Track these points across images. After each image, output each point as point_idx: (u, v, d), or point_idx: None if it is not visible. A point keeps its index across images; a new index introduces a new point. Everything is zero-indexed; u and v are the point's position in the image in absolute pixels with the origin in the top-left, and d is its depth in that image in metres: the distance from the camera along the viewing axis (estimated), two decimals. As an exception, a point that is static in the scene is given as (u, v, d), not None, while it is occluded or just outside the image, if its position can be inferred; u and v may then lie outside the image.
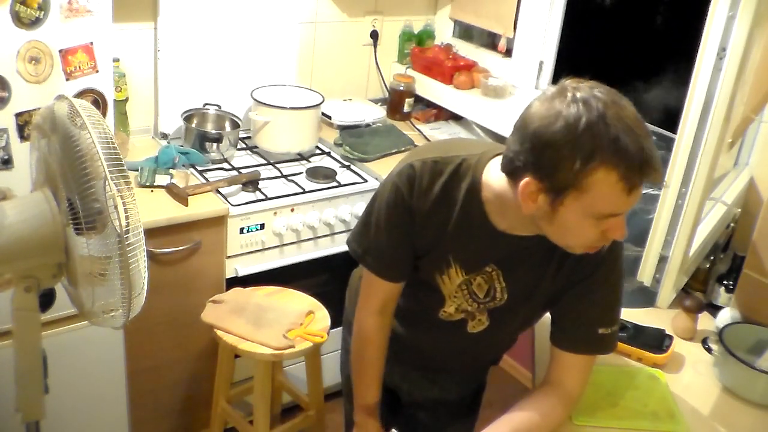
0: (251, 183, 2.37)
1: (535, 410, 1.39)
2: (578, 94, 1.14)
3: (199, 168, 2.43)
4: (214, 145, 2.48)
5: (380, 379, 1.59)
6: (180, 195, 2.20)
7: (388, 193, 1.42)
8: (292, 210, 2.39)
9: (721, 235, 2.07)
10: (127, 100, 2.46)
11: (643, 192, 1.90)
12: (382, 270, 1.49)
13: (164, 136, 2.60)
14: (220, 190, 2.31)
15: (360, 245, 1.51)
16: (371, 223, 1.47)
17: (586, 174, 1.13)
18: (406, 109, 3.05)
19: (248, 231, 2.31)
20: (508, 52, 2.92)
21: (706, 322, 1.87)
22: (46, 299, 1.92)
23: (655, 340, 1.73)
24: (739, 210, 2.14)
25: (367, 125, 2.87)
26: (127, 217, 1.27)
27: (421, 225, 1.41)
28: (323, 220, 2.46)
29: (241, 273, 2.35)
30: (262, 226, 2.34)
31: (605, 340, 1.41)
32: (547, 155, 1.15)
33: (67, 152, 1.27)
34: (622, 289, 1.43)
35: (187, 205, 2.19)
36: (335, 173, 2.54)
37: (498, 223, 1.35)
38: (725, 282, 1.95)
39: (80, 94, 1.98)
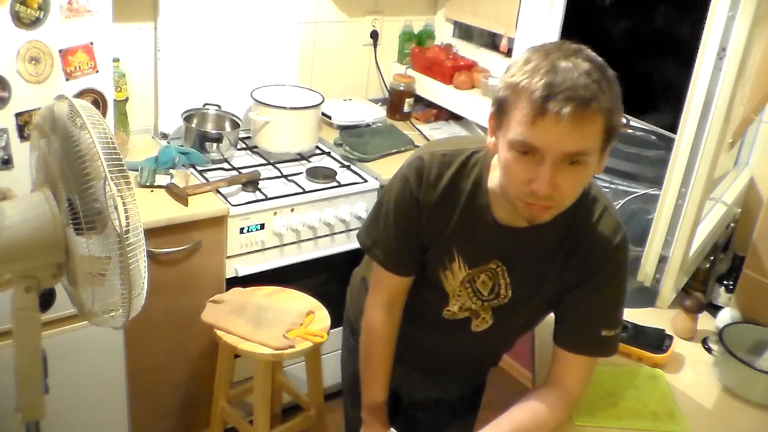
0: (251, 183, 2.37)
1: (535, 410, 1.39)
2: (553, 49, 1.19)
3: (199, 168, 2.43)
4: (214, 145, 2.48)
5: (387, 376, 1.59)
6: (180, 195, 2.20)
7: (397, 186, 1.43)
8: (292, 210, 2.39)
9: (721, 235, 2.07)
10: (127, 100, 2.46)
11: (643, 192, 1.89)
12: (389, 263, 1.50)
13: (164, 136, 2.60)
14: (220, 190, 2.31)
15: (369, 237, 1.51)
16: (380, 216, 1.48)
17: (508, 100, 1.19)
18: (406, 109, 3.05)
19: (248, 231, 2.31)
20: (509, 52, 2.92)
21: (706, 322, 1.87)
22: (46, 299, 1.92)
23: (655, 340, 1.73)
24: (739, 210, 2.14)
25: (367, 125, 2.87)
26: (127, 217, 1.27)
27: (428, 217, 1.41)
28: (323, 220, 2.46)
29: (241, 273, 2.35)
30: (262, 226, 2.34)
31: (608, 342, 1.41)
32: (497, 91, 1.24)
33: (67, 152, 1.27)
34: (626, 292, 1.42)
35: (187, 205, 2.19)
36: (335, 173, 2.54)
37: (499, 215, 1.36)
38: (725, 282, 1.95)
39: (80, 94, 1.98)
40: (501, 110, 1.21)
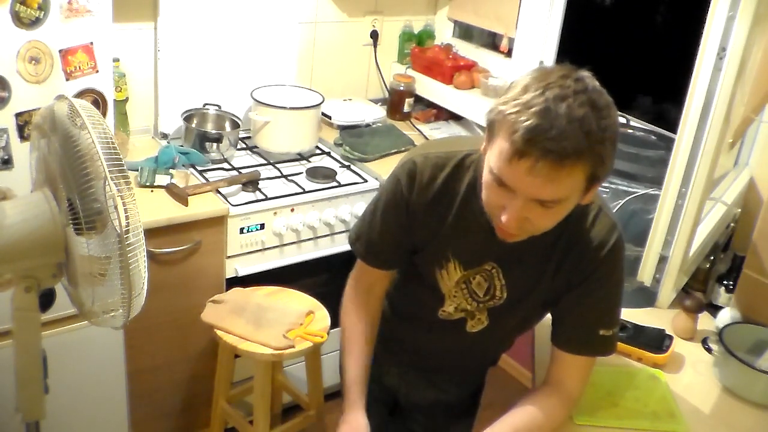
0: (251, 183, 2.37)
1: (535, 410, 1.39)
2: (562, 77, 1.15)
3: (199, 168, 2.43)
4: (214, 145, 2.48)
5: (362, 364, 1.51)
6: (180, 195, 2.20)
7: (388, 186, 1.45)
8: (292, 210, 2.39)
9: (721, 235, 2.07)
10: (127, 100, 2.46)
11: (643, 192, 1.89)
12: (367, 256, 1.52)
13: (164, 136, 2.60)
14: (220, 190, 2.31)
15: (355, 233, 1.54)
16: (369, 213, 1.51)
17: (495, 125, 1.17)
18: (406, 109, 3.05)
19: (248, 231, 2.31)
20: (509, 52, 2.92)
21: (706, 322, 1.87)
22: (46, 299, 1.91)
23: (655, 340, 1.73)
24: (739, 210, 2.14)
25: (367, 125, 2.87)
26: (127, 217, 1.27)
27: (421, 219, 1.42)
28: (323, 220, 2.46)
29: (241, 273, 2.35)
30: (262, 226, 2.34)
31: (605, 341, 1.41)
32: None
33: (67, 152, 1.27)
34: (623, 292, 1.42)
35: (187, 205, 2.19)
36: (335, 173, 2.54)
37: None
38: (725, 282, 1.95)
39: (80, 94, 1.98)
40: (490, 130, 1.21)
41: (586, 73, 1.17)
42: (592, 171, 1.15)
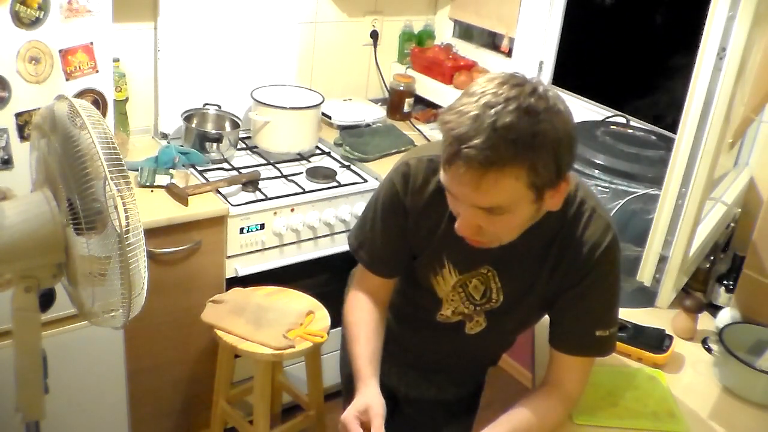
0: (251, 183, 2.37)
1: (535, 411, 1.39)
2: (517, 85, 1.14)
3: (199, 168, 2.43)
4: (214, 145, 2.48)
5: (373, 347, 1.46)
6: (180, 195, 2.20)
7: (384, 190, 1.44)
8: (292, 210, 2.39)
9: (721, 235, 2.07)
10: (127, 100, 2.46)
11: (643, 192, 1.89)
12: (373, 265, 1.51)
13: (164, 136, 2.60)
14: (220, 190, 2.31)
15: (356, 239, 1.53)
16: (368, 219, 1.49)
17: (441, 131, 1.17)
18: (406, 109, 3.05)
19: (248, 231, 2.31)
20: (509, 52, 2.92)
21: (706, 322, 1.87)
22: (46, 299, 1.92)
23: (655, 340, 1.73)
24: (739, 210, 2.14)
25: (367, 125, 2.87)
26: (127, 217, 1.27)
27: (415, 223, 1.42)
28: (323, 220, 2.46)
29: (241, 273, 2.35)
30: (262, 226, 2.34)
31: (603, 342, 1.41)
32: None
33: (67, 152, 1.27)
34: (619, 291, 1.42)
35: (187, 205, 2.19)
36: (335, 173, 2.54)
37: None
38: (725, 282, 1.95)
39: (80, 94, 1.98)
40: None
41: (537, 81, 1.16)
42: (529, 178, 1.14)
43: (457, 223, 1.23)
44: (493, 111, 1.10)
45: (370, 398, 1.35)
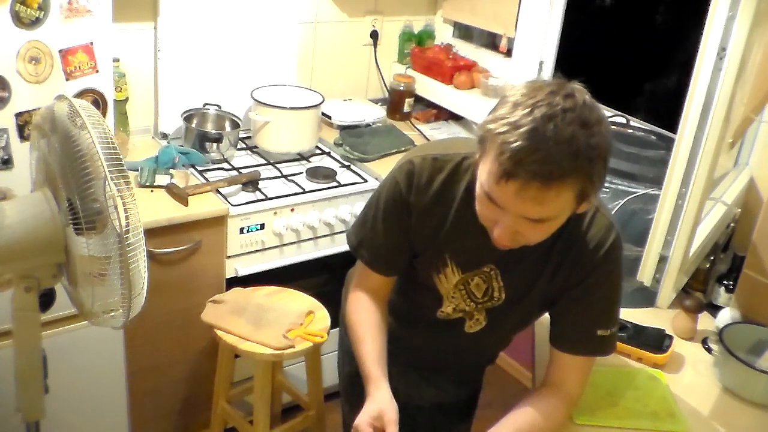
0: (251, 183, 2.37)
1: (537, 411, 1.39)
2: (554, 92, 1.13)
3: (199, 168, 2.43)
4: (214, 145, 2.48)
5: (379, 345, 1.46)
6: (180, 195, 2.20)
7: (387, 188, 1.44)
8: (292, 210, 2.39)
9: (721, 235, 2.07)
10: (127, 100, 2.46)
11: (643, 192, 1.89)
12: (374, 263, 1.50)
13: (164, 136, 2.60)
14: (220, 190, 2.31)
15: (356, 237, 1.52)
16: (369, 217, 1.48)
17: (485, 142, 1.16)
18: (406, 109, 3.05)
19: (248, 231, 2.31)
20: (509, 52, 2.92)
21: (706, 322, 1.87)
22: (46, 299, 1.92)
23: (655, 340, 1.73)
24: (739, 210, 2.14)
25: (367, 125, 2.87)
26: (127, 217, 1.27)
27: (419, 222, 1.41)
28: (323, 220, 2.46)
29: (241, 273, 2.35)
30: (262, 226, 2.34)
31: (604, 341, 1.41)
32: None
33: (67, 152, 1.27)
34: (621, 291, 1.42)
35: (187, 205, 2.19)
36: (335, 173, 2.54)
37: None
38: (725, 282, 1.95)
39: (80, 94, 1.98)
40: (482, 145, 1.19)
41: (578, 87, 1.16)
42: (582, 189, 1.15)
43: (497, 232, 1.22)
44: (552, 124, 1.09)
45: (383, 403, 1.35)
